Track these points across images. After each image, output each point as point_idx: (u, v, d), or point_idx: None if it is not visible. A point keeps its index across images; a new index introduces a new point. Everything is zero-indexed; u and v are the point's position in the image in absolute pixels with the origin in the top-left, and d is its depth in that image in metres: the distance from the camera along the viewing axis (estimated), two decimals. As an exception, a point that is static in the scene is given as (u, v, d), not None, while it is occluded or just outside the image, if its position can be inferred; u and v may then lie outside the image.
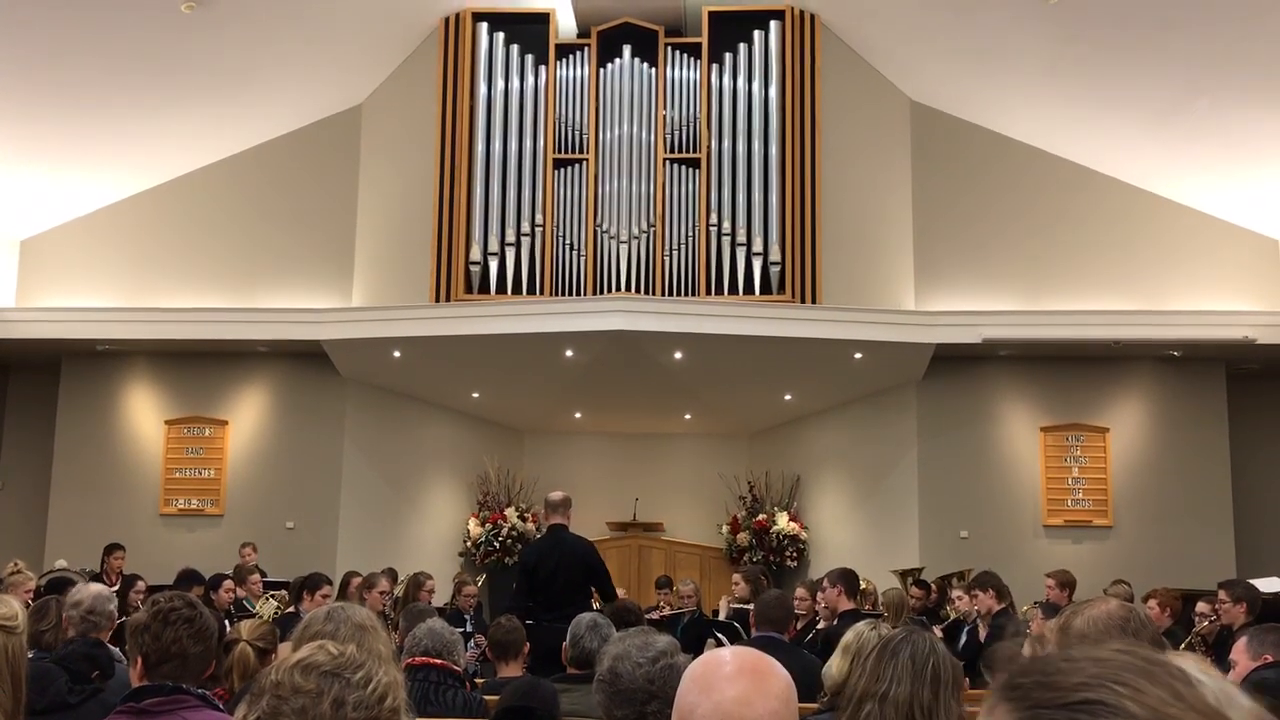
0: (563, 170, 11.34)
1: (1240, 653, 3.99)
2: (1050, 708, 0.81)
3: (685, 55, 11.45)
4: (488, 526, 11.72)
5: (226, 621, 6.22)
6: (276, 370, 11.54)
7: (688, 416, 12.25)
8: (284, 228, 11.67)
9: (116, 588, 8.19)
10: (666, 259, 11.06)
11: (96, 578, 8.94)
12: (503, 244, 11.14)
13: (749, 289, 10.93)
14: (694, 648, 6.83)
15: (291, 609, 7.31)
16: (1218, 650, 6.05)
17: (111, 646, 4.24)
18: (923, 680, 2.44)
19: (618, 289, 10.84)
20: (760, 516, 11.73)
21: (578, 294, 10.93)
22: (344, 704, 1.38)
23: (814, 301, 10.87)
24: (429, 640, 4.08)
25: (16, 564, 7.33)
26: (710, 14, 11.38)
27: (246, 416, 11.57)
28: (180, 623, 2.67)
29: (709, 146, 11.25)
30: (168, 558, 10.15)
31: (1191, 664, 0.85)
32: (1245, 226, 11.06)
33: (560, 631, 4.62)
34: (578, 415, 12.32)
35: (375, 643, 2.68)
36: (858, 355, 10.48)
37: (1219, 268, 11.03)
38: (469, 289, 11.09)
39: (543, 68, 11.46)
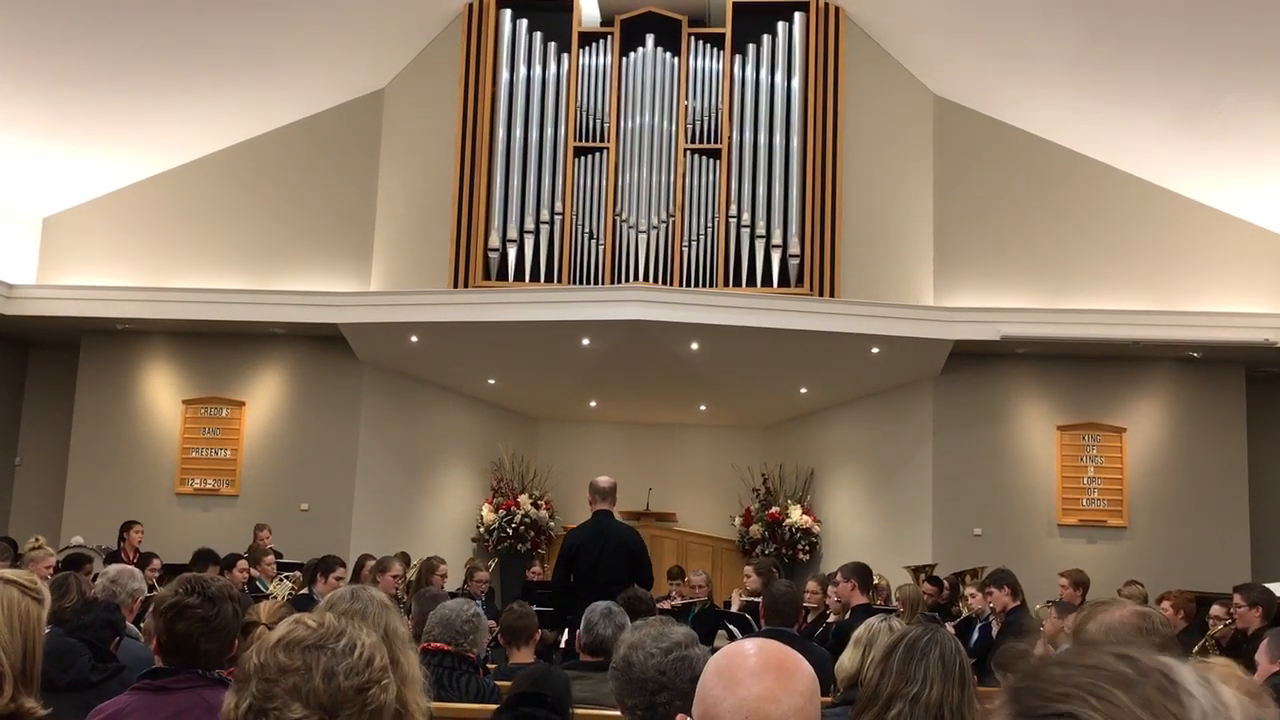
0: (583, 159, 11.33)
1: (1261, 655, 4.00)
2: (1033, 716, 0.83)
3: (708, 45, 11.41)
4: (501, 513, 11.77)
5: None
6: (294, 353, 11.58)
7: (703, 407, 12.24)
8: (304, 211, 11.69)
9: (135, 562, 8.24)
10: (685, 249, 11.05)
11: (113, 554, 9.02)
12: (522, 231, 11.14)
13: (767, 281, 10.91)
14: (705, 639, 6.83)
15: (305, 591, 7.35)
16: (1231, 654, 6.03)
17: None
18: (953, 680, 2.44)
19: (636, 278, 10.84)
20: (773, 509, 11.72)
21: (596, 283, 10.93)
22: (334, 674, 1.35)
23: (832, 295, 10.85)
24: (444, 626, 4.08)
25: (38, 539, 7.41)
26: (734, 4, 11.34)
27: (263, 398, 11.62)
28: (194, 620, 2.63)
29: (730, 137, 11.22)
30: (183, 537, 10.20)
31: (1190, 675, 0.81)
32: (1268, 228, 10.98)
33: None
34: (593, 404, 12.33)
35: (397, 623, 2.70)
36: (875, 350, 10.45)
37: (1241, 269, 10.95)
38: (487, 275, 11.11)
39: (565, 56, 11.44)
